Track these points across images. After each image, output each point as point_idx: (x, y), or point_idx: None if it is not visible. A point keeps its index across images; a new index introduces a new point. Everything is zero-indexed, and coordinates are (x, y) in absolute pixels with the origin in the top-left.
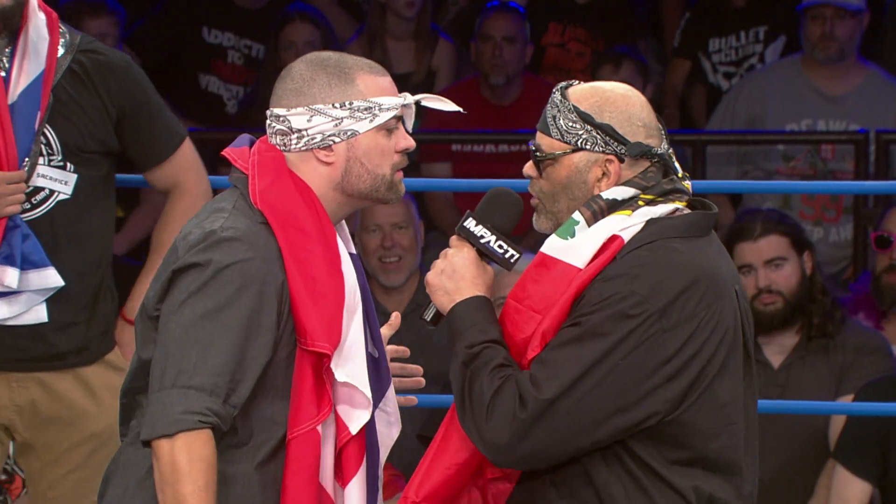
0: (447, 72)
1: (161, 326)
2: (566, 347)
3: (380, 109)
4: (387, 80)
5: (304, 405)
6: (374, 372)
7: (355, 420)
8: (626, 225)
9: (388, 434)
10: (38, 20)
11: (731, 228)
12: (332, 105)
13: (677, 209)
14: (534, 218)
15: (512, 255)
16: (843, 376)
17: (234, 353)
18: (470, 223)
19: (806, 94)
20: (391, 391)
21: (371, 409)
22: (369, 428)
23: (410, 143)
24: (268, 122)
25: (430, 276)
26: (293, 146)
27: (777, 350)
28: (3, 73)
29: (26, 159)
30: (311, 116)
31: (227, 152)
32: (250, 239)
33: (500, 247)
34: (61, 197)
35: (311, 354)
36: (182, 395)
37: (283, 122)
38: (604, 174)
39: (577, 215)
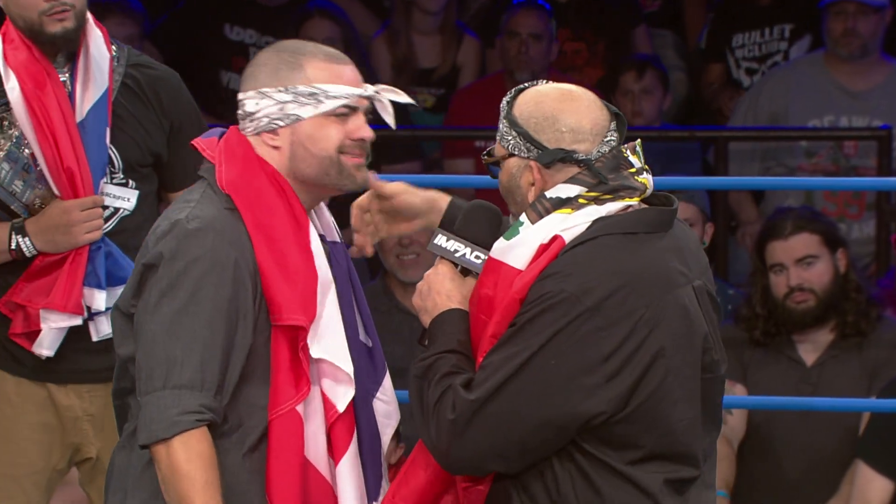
0: (472, 68)
1: (138, 326)
2: (501, 349)
3: (325, 97)
4: (344, 69)
5: (282, 386)
6: (368, 361)
7: (341, 397)
8: (567, 224)
9: (388, 423)
10: (96, 37)
11: (762, 226)
12: (278, 89)
13: (629, 206)
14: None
15: None
16: (876, 374)
17: (218, 343)
18: (440, 240)
19: (828, 91)
20: (387, 381)
21: (353, 384)
22: (363, 411)
23: (364, 133)
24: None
25: (414, 299)
26: (248, 130)
27: (811, 348)
28: (67, 91)
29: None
30: (259, 100)
31: (197, 142)
32: (216, 226)
33: (478, 258)
34: (124, 213)
35: (287, 334)
36: (175, 395)
37: (241, 106)
38: (534, 180)
39: (522, 216)
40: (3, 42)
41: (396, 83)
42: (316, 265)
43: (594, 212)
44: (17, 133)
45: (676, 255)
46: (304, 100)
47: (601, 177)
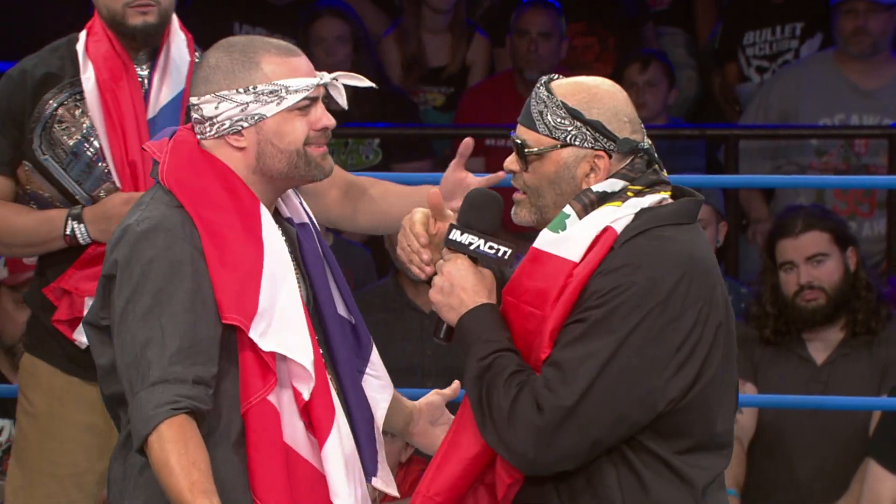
0: (482, 66)
1: (114, 338)
2: (576, 346)
3: (287, 92)
4: (298, 61)
5: (250, 378)
6: (351, 338)
7: (304, 387)
8: (617, 216)
9: (382, 398)
10: (179, 39)
11: (773, 225)
12: (237, 90)
13: (664, 199)
14: (513, 211)
15: (505, 253)
16: (887, 373)
17: (186, 336)
18: (455, 234)
19: (839, 89)
20: (375, 355)
21: (311, 374)
22: (352, 389)
23: (328, 122)
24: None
25: (433, 295)
26: (207, 134)
27: (821, 346)
28: (144, 88)
29: None
30: (219, 103)
31: (147, 145)
32: (167, 224)
33: (491, 248)
34: None
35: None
36: (149, 393)
37: (197, 110)
38: (592, 169)
39: (567, 209)
40: (87, 34)
41: (406, 82)
42: (267, 258)
43: (637, 203)
44: (87, 123)
45: (707, 244)
46: (265, 98)
47: (656, 161)
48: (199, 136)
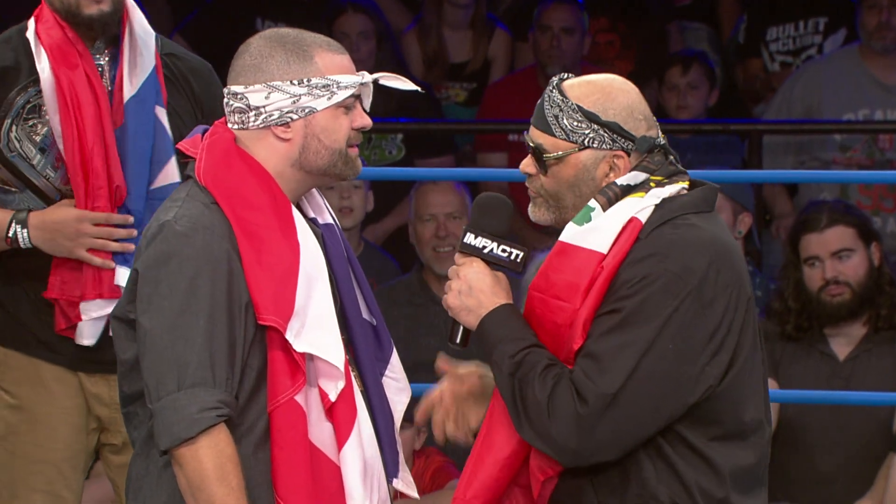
0: (503, 61)
1: (141, 331)
2: (611, 336)
3: (338, 87)
4: (345, 59)
5: (279, 378)
6: (374, 340)
7: (332, 388)
8: (640, 206)
9: (399, 400)
10: (140, 17)
11: (796, 220)
12: (291, 82)
13: (683, 188)
14: (530, 208)
15: (518, 255)
16: None
17: (223, 337)
18: (469, 238)
19: (863, 84)
20: (395, 358)
21: (343, 375)
22: (375, 391)
23: (367, 121)
24: (225, 100)
25: (450, 300)
26: (251, 123)
27: (844, 342)
28: (105, 81)
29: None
30: (269, 93)
31: (181, 144)
32: (205, 222)
33: (504, 251)
34: None
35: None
36: (190, 395)
37: (241, 99)
38: (611, 168)
39: (592, 202)
40: (36, 22)
41: (428, 77)
42: (303, 258)
43: (658, 193)
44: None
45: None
46: (318, 92)
47: (675, 157)
48: (238, 126)
